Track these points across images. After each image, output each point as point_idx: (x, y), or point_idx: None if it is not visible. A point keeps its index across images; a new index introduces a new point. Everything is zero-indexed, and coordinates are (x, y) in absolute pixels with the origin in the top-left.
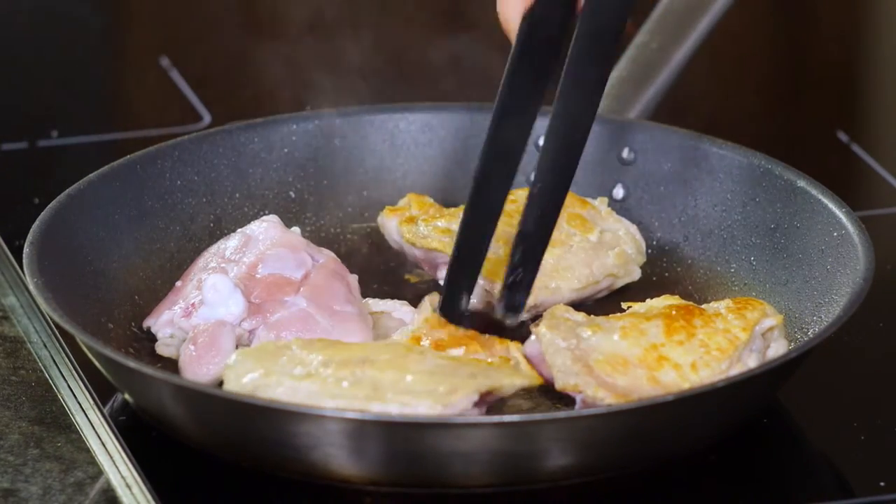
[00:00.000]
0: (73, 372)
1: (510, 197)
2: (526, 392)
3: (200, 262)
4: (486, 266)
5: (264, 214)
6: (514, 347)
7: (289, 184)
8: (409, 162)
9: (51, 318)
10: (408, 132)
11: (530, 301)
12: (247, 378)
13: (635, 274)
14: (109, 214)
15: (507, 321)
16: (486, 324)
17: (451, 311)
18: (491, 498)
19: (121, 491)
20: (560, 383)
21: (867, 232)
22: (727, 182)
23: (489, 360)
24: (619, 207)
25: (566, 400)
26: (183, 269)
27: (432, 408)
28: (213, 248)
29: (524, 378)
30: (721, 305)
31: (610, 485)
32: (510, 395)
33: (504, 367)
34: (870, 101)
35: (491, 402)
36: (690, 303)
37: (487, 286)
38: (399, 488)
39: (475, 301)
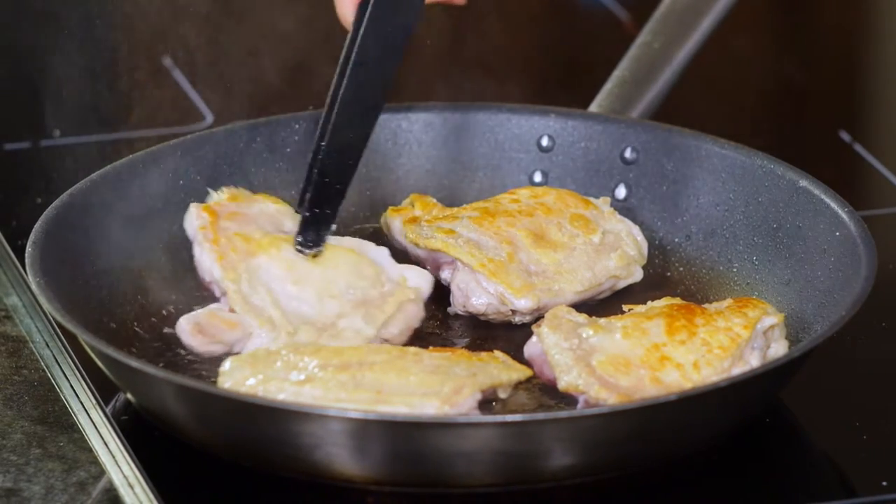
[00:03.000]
0: (76, 371)
1: (511, 196)
2: (528, 392)
3: None
4: (489, 267)
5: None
6: (497, 353)
7: (291, 183)
8: (412, 161)
9: (53, 318)
10: (410, 132)
11: (533, 303)
12: (246, 385)
13: (637, 275)
14: (112, 214)
15: (306, 252)
16: (486, 326)
17: (313, 241)
18: (493, 497)
19: (123, 490)
20: (563, 384)
21: (869, 232)
22: (729, 182)
23: (480, 355)
24: (621, 207)
25: (568, 399)
26: (184, 269)
27: (440, 409)
28: None
29: (518, 372)
30: (722, 305)
31: (612, 484)
32: (512, 395)
33: (496, 362)
34: (872, 101)
35: (488, 398)
36: (691, 303)
37: (491, 288)
38: (401, 488)
39: (480, 302)
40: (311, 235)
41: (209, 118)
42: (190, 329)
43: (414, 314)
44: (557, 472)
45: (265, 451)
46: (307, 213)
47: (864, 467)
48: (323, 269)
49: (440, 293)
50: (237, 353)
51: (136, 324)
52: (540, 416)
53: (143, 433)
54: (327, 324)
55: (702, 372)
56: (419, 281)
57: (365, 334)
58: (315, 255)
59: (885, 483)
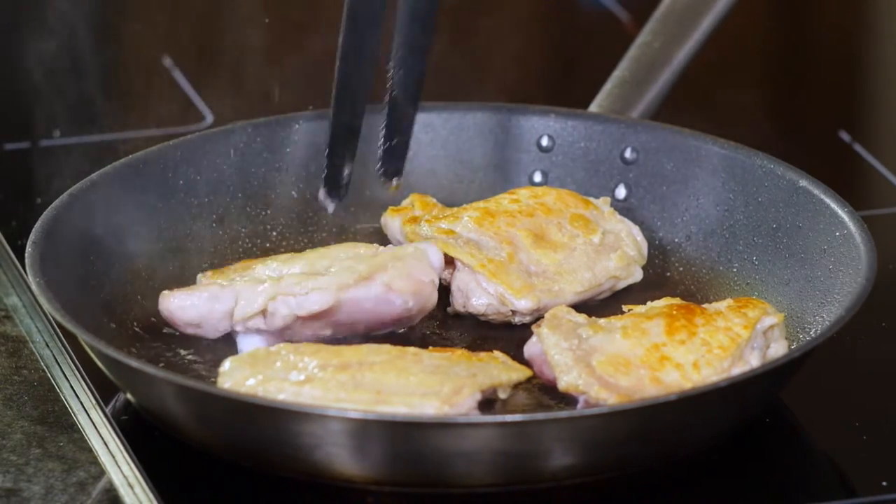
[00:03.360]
0: (76, 372)
1: (511, 196)
2: (528, 392)
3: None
4: (489, 267)
5: (266, 214)
6: (497, 353)
7: (291, 183)
8: (412, 161)
9: (53, 318)
10: None
11: (533, 304)
12: (245, 385)
13: (637, 275)
14: (112, 214)
15: (390, 186)
16: (486, 326)
17: (335, 184)
18: (493, 497)
19: (123, 490)
20: (563, 384)
21: (869, 232)
22: (729, 182)
23: (480, 355)
24: (621, 207)
25: (568, 399)
26: (185, 269)
27: (439, 409)
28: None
29: (518, 372)
30: (722, 305)
31: (612, 484)
32: (512, 395)
33: (496, 363)
34: (871, 101)
35: (488, 398)
36: (691, 303)
37: (491, 288)
38: (401, 488)
39: (480, 303)
40: (392, 165)
41: (209, 118)
42: (166, 292)
43: (416, 267)
44: (557, 472)
45: (265, 451)
46: (386, 144)
47: (864, 467)
48: (318, 254)
49: (440, 293)
50: (229, 342)
51: (136, 324)
52: (540, 416)
53: (143, 433)
54: (315, 272)
55: (702, 372)
56: (422, 246)
57: (358, 270)
58: (396, 187)
59: (885, 483)
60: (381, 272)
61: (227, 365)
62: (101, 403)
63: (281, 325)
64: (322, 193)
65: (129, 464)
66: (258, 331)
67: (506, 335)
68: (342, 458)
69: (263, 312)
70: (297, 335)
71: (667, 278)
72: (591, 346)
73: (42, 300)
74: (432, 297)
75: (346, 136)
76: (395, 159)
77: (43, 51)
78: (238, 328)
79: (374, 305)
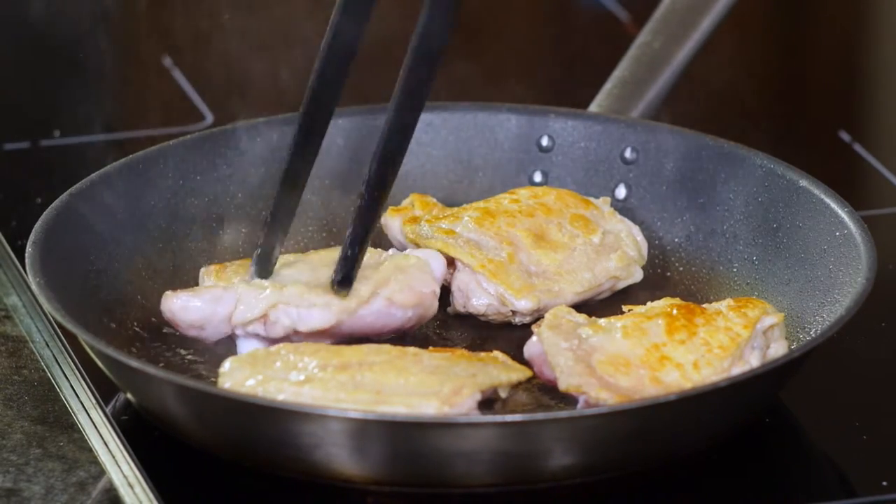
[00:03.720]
0: (76, 371)
1: (511, 196)
2: (528, 392)
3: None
4: (489, 268)
5: (266, 214)
6: (497, 353)
7: None
8: (412, 161)
9: (53, 318)
10: None
11: (533, 304)
12: (245, 385)
13: (637, 275)
14: (112, 214)
15: (339, 293)
16: (486, 326)
17: (266, 263)
18: (493, 497)
19: (123, 490)
20: (563, 384)
21: (869, 232)
22: (729, 182)
23: (480, 355)
24: (621, 207)
25: (568, 399)
26: (185, 269)
27: (439, 409)
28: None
29: (518, 372)
30: (722, 304)
31: (611, 485)
32: (512, 395)
33: (496, 363)
34: (872, 101)
35: (488, 398)
36: (691, 303)
37: (491, 289)
38: (401, 488)
39: (480, 303)
40: (341, 275)
41: (209, 118)
42: (169, 292)
43: (418, 279)
44: (557, 472)
45: (265, 451)
46: (344, 253)
47: (864, 467)
48: (320, 257)
49: (441, 293)
50: (229, 343)
51: (136, 324)
52: (540, 416)
53: (142, 433)
54: (318, 284)
55: (702, 372)
56: (425, 255)
57: (360, 293)
58: (346, 295)
59: (885, 483)
60: (383, 287)
61: (227, 365)
62: (101, 403)
63: (281, 335)
64: (252, 273)
65: (129, 464)
66: (257, 336)
67: (506, 335)
68: (342, 458)
69: (263, 318)
70: (295, 341)
71: (667, 278)
72: (591, 346)
73: (42, 300)
74: (432, 307)
75: (289, 209)
76: (346, 269)
77: (43, 50)
78: (238, 332)
79: (375, 318)
